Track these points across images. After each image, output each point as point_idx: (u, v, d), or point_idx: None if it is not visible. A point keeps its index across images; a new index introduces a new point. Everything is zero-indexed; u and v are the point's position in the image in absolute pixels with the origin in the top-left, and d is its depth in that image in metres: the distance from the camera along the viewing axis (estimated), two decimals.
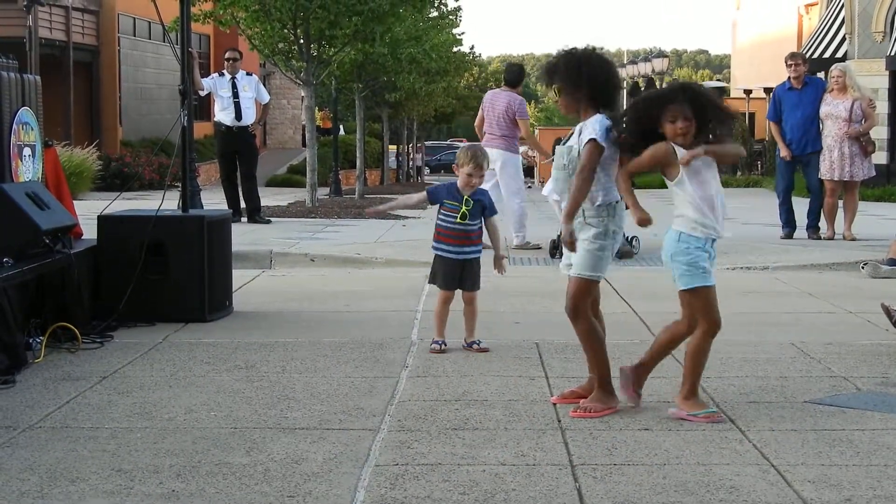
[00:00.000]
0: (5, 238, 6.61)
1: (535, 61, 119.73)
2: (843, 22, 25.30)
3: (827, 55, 24.90)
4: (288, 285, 9.70)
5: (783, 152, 13.24)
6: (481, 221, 6.81)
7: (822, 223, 13.27)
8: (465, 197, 6.67)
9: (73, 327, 6.74)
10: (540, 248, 12.35)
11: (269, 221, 15.46)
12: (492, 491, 4.13)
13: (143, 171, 25.08)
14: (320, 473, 4.34)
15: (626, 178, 5.24)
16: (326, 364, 6.35)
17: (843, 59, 23.72)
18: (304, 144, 33.77)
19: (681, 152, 5.07)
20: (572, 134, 5.37)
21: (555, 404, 5.41)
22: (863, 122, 12.97)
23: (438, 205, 6.74)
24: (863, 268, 10.42)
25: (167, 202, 8.15)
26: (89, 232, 7.99)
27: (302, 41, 18.11)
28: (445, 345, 6.71)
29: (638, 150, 5.17)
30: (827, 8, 27.04)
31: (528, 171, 32.51)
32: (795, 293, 9.26)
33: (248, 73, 15.73)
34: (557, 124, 59.10)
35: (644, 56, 49.39)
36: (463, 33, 47.43)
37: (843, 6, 25.37)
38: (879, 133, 22.09)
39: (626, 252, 11.35)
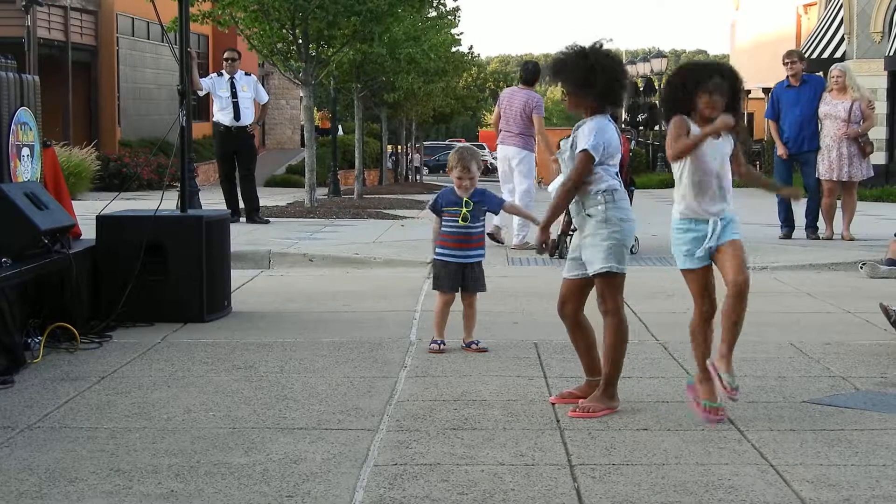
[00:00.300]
0: (4, 238, 6.60)
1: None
2: (841, 22, 25.32)
3: (826, 55, 24.92)
4: (286, 285, 9.69)
5: (780, 150, 13.25)
6: (484, 225, 6.80)
7: (821, 223, 13.28)
8: (465, 199, 6.68)
9: (71, 327, 6.74)
10: None
11: (267, 221, 15.44)
12: (490, 491, 4.13)
13: (142, 172, 25.05)
14: (319, 473, 4.34)
15: (689, 148, 5.05)
16: (325, 364, 6.35)
17: (842, 59, 23.74)
18: (302, 144, 33.78)
19: (694, 129, 5.03)
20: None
21: (553, 404, 5.41)
22: (861, 122, 12.97)
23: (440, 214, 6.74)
24: (861, 268, 10.42)
25: (166, 202, 8.16)
26: (88, 232, 7.99)
27: (300, 41, 18.10)
28: (444, 345, 6.71)
29: (669, 114, 5.10)
30: (825, 8, 27.05)
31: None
32: (794, 293, 9.27)
33: (246, 74, 15.70)
34: (556, 124, 59.06)
35: (643, 56, 49.46)
36: (461, 33, 47.42)
37: (841, 6, 25.40)
38: (878, 133, 22.12)
39: None
